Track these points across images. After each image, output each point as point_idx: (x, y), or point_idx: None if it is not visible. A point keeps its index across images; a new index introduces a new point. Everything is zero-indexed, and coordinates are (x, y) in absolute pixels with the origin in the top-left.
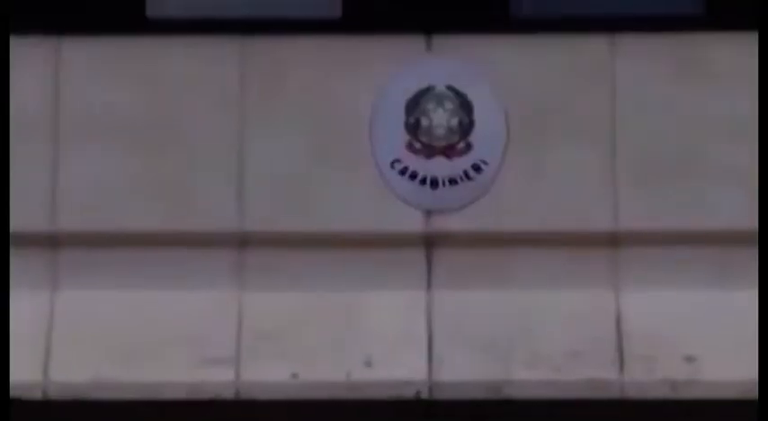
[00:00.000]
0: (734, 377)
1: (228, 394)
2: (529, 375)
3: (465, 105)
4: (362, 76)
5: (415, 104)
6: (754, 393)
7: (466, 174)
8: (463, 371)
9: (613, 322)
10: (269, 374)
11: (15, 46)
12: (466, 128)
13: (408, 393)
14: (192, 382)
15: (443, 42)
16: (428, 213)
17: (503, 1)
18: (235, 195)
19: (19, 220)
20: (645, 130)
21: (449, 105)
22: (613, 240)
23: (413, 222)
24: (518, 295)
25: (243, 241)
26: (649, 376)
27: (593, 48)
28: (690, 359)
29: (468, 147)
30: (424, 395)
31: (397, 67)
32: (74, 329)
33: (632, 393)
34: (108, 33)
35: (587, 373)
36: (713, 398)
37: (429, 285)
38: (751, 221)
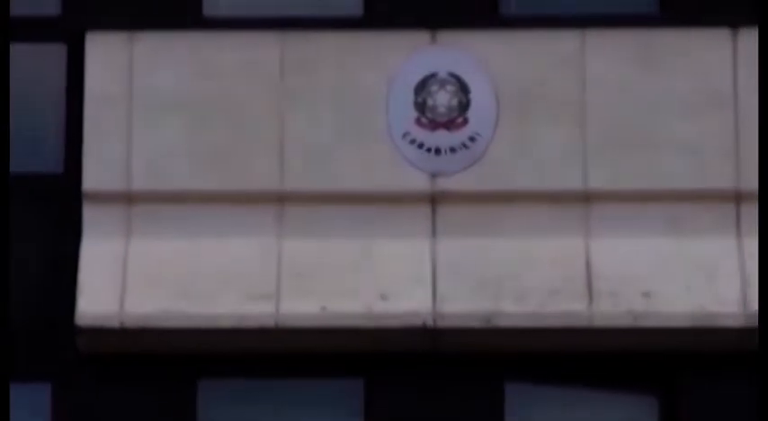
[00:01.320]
0: (683, 309)
1: (270, 323)
2: (515, 308)
3: (463, 88)
4: (379, 64)
5: (422, 87)
6: (699, 321)
7: (464, 144)
8: (461, 305)
9: (584, 265)
10: (302, 307)
11: (98, 40)
12: (464, 106)
13: (416, 322)
14: (241, 314)
15: (445, 37)
16: (433, 176)
17: (494, 2)
18: (276, 161)
19: (98, 181)
20: (609, 109)
21: (450, 88)
22: (585, 198)
23: (420, 183)
24: (506, 243)
25: (281, 198)
26: (614, 308)
27: (567, 41)
28: (646, 294)
29: (466, 121)
30: (429, 324)
31: (408, 56)
32: (144, 270)
33: (600, 323)
34: (172, 29)
35: (563, 307)
36: (666, 326)
37: (433, 234)
38: (696, 183)
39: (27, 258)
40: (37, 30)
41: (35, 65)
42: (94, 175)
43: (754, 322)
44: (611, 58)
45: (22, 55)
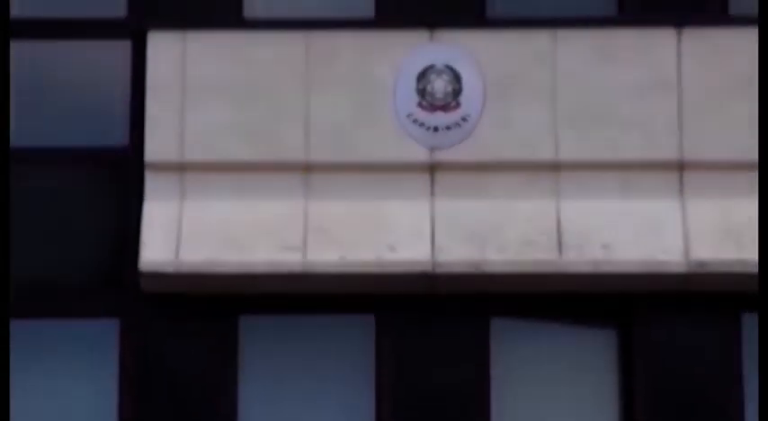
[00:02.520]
0: (636, 257)
1: (298, 269)
2: (498, 257)
3: (456, 77)
4: (387, 57)
5: (422, 76)
6: (648, 267)
7: (457, 123)
8: (455, 254)
9: (555, 222)
10: (324, 256)
11: (157, 37)
12: (457, 92)
13: (418, 269)
14: (274, 261)
15: (441, 35)
16: (431, 149)
17: (481, 6)
18: (302, 136)
19: (157, 154)
20: (576, 94)
21: (445, 77)
22: (555, 167)
23: (421, 155)
24: (491, 203)
25: (307, 167)
26: (579, 257)
27: (541, 38)
28: (606, 246)
29: (458, 105)
30: (429, 270)
31: (410, 51)
32: (194, 226)
33: (567, 269)
34: (217, 28)
35: (537, 256)
36: (621, 271)
37: (432, 197)
38: (646, 154)
39: (99, 217)
40: (107, 29)
41: (106, 58)
42: (154, 149)
43: (694, 268)
44: (578, 53)
45: (95, 50)
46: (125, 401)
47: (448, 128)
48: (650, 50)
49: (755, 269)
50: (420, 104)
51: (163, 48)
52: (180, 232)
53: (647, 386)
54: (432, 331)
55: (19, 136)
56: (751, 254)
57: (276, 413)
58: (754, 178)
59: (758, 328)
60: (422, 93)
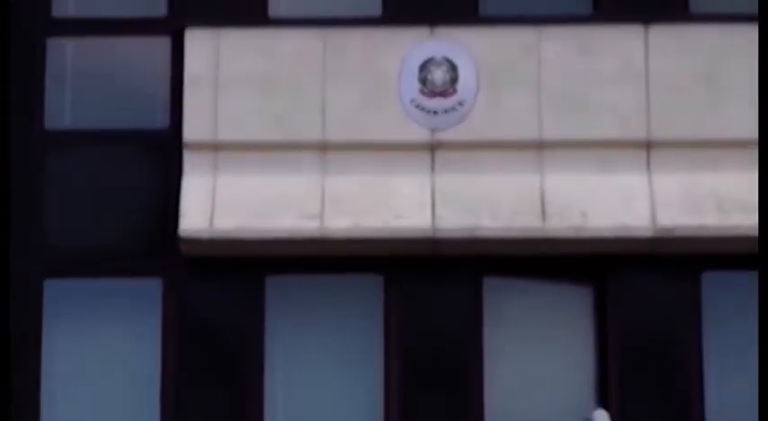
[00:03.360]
0: (609, 224)
1: (316, 235)
2: (490, 224)
3: (453, 68)
4: (393, 50)
5: (423, 67)
6: (620, 232)
7: (454, 107)
8: (452, 222)
9: (539, 193)
10: (339, 223)
11: (194, 34)
12: (454, 80)
13: (420, 234)
14: (295, 228)
15: (440, 31)
16: (432, 131)
17: (474, 6)
18: (319, 119)
19: (194, 134)
20: (557, 82)
21: (443, 68)
22: (539, 146)
23: (423, 136)
24: (484, 178)
25: (324, 146)
26: (560, 224)
27: (528, 34)
28: (584, 214)
29: (455, 91)
30: (430, 235)
31: (413, 45)
32: (226, 198)
33: (550, 234)
34: (245, 26)
35: (524, 223)
36: (597, 236)
37: (432, 172)
38: (618, 134)
39: (145, 190)
40: (149, 27)
41: (148, 53)
42: (191, 130)
43: (660, 233)
44: (559, 46)
45: (139, 46)
46: (167, 351)
47: (446, 111)
48: (621, 44)
49: (714, 233)
50: (422, 91)
51: (198, 43)
52: (214, 203)
53: (617, 336)
54: (432, 288)
55: (77, 120)
56: (709, 220)
57: (297, 361)
58: (712, 155)
59: (758, 331)
60: (423, 81)
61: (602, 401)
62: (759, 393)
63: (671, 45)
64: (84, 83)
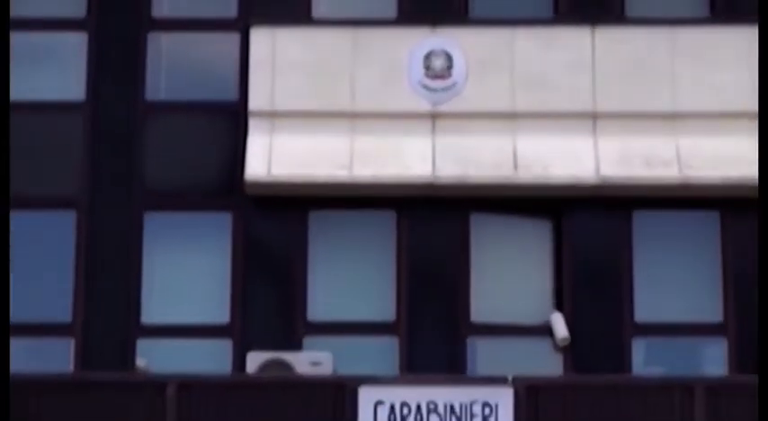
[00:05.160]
0: (564, 174)
1: (347, 180)
2: (476, 173)
3: (449, 58)
4: (404, 44)
5: (427, 57)
6: (573, 180)
7: (450, 87)
8: (448, 171)
9: (513, 151)
10: (363, 172)
11: (257, 31)
12: (450, 67)
13: (424, 181)
14: (331, 175)
15: (440, 29)
16: (433, 104)
17: (465, 9)
18: (349, 95)
19: (257, 105)
20: (527, 69)
21: (442, 58)
22: (513, 115)
23: (426, 107)
24: (472, 139)
25: (354, 115)
26: (527, 174)
27: (505, 33)
28: (545, 167)
29: (451, 75)
30: (431, 181)
31: (420, 40)
32: (280, 152)
33: (520, 181)
34: (294, 24)
35: (501, 173)
36: (554, 183)
37: (433, 135)
38: (573, 107)
39: (221, 146)
40: (224, 25)
41: (223, 44)
42: (255, 102)
43: (602, 181)
44: (528, 42)
45: (216, 39)
46: (235, 263)
47: (443, 90)
48: (575, 40)
49: (642, 182)
50: (426, 75)
51: (260, 37)
52: (270, 156)
53: (570, 258)
54: (432, 221)
55: (169, 93)
56: (639, 172)
57: (331, 272)
58: (642, 123)
59: (758, 332)
60: (427, 67)
61: (558, 305)
62: (759, 392)
63: (611, 41)
64: (174, 66)
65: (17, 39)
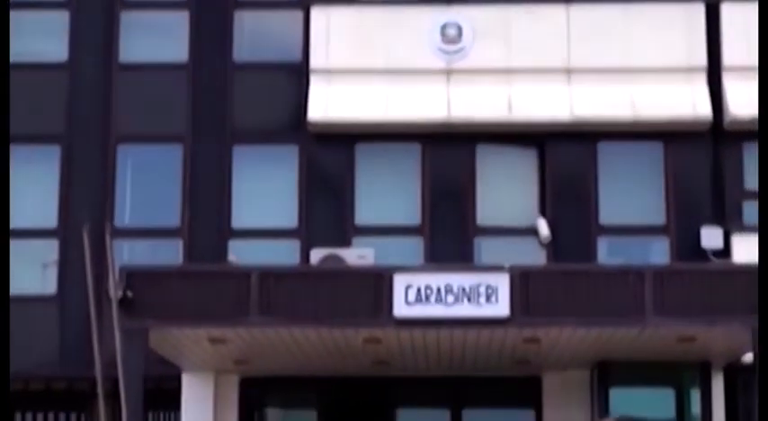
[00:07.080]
0: (547, 113)
1: (384, 119)
2: (481, 114)
3: (460, 28)
4: (427, 17)
5: (444, 27)
6: (553, 119)
7: (460, 49)
8: (460, 111)
9: (508, 97)
10: (397, 114)
11: (317, 9)
12: (460, 35)
13: (442, 120)
14: (373, 116)
15: (454, 6)
16: (447, 62)
17: None
18: (386, 55)
19: (317, 64)
20: (521, 36)
21: (455, 28)
22: (509, 71)
23: (443, 65)
24: (478, 88)
25: (390, 71)
26: (518, 113)
27: (502, 9)
28: (532, 108)
29: (461, 40)
30: (447, 120)
31: (439, 14)
32: (333, 99)
33: (514, 120)
34: (344, 4)
35: (499, 113)
36: (539, 120)
37: (448, 85)
38: (553, 64)
39: (292, 95)
40: (291, 5)
41: (291, 20)
42: (315, 61)
43: (575, 120)
44: (520, 14)
45: (286, 16)
46: (300, 185)
47: (455, 52)
48: (555, 14)
49: (606, 120)
50: (442, 41)
51: (318, 14)
52: (327, 102)
53: (551, 177)
54: (448, 151)
55: (253, 54)
56: (602, 112)
57: (373, 189)
58: (606, 75)
59: (758, 331)
60: (443, 35)
61: (543, 212)
62: (759, 393)
63: (585, 14)
64: (255, 36)
65: (131, 17)
